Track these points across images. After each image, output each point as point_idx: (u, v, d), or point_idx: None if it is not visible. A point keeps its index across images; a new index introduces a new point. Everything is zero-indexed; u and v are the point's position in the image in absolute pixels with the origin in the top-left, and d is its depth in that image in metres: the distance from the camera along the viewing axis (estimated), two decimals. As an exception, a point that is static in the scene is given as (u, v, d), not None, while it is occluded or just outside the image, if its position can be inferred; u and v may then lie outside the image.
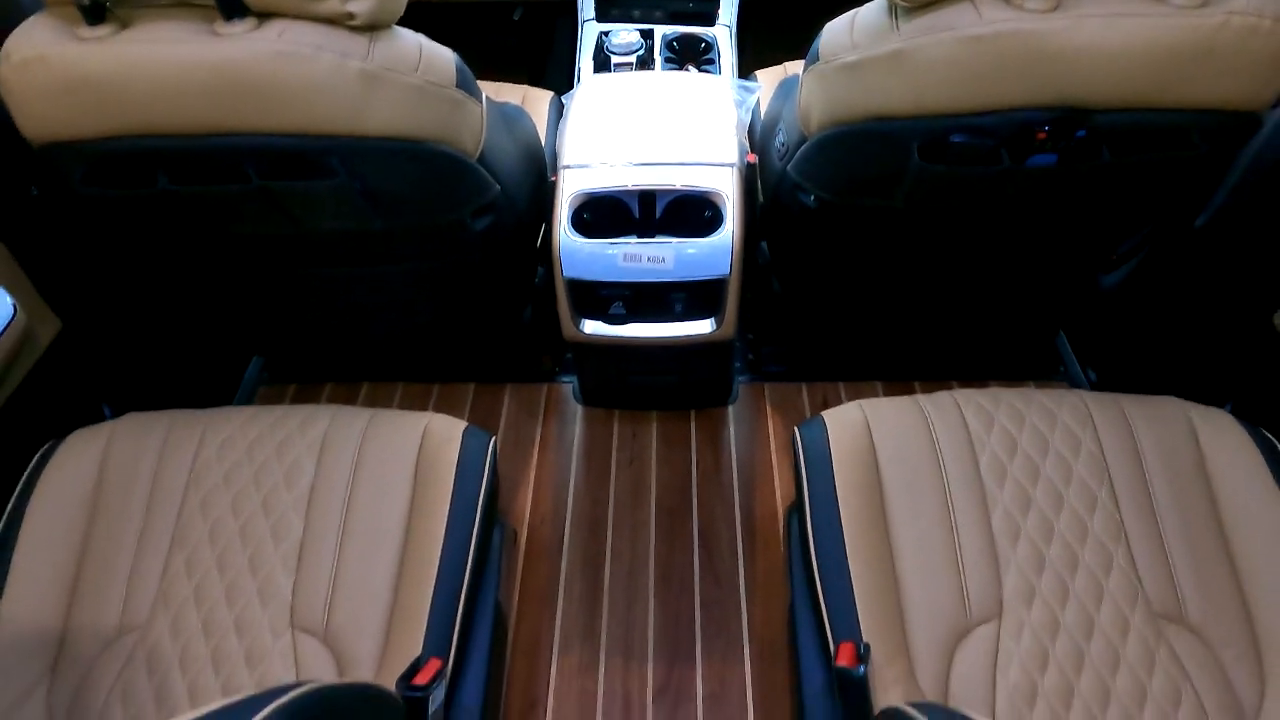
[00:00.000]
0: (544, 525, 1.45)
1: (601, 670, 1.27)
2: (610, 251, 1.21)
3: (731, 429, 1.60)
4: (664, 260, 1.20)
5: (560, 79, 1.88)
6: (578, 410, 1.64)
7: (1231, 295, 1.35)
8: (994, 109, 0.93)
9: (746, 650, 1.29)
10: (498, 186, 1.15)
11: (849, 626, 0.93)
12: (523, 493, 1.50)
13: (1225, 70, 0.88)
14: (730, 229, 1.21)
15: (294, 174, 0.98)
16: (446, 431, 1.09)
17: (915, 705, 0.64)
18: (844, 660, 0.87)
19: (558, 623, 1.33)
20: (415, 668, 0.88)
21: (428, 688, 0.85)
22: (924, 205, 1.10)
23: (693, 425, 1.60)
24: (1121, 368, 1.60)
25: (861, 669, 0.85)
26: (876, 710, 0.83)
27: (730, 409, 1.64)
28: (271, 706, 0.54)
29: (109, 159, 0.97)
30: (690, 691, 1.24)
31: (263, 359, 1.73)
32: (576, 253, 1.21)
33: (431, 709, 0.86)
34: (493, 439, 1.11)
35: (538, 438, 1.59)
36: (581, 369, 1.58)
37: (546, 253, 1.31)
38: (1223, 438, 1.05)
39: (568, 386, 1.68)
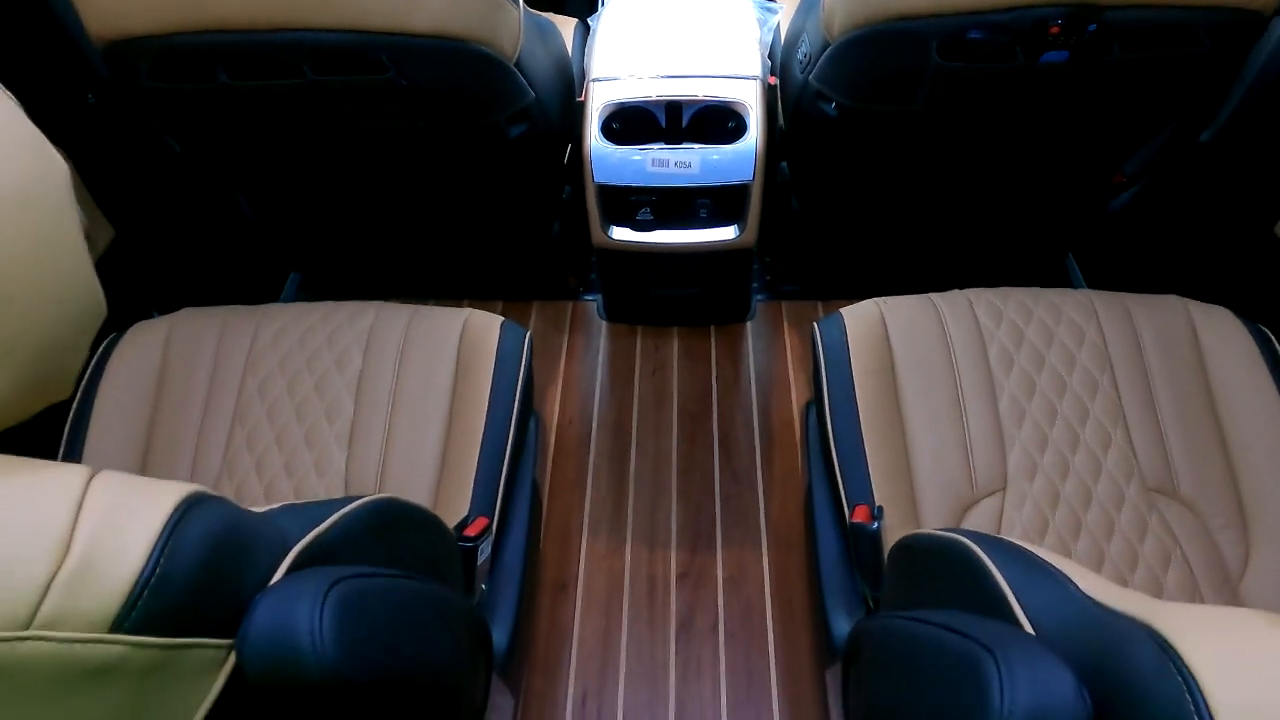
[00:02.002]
0: (571, 425, 1.53)
1: (628, 555, 1.35)
2: (639, 157, 1.27)
3: (750, 343, 1.67)
4: (691, 165, 1.26)
5: (581, 8, 1.91)
6: (602, 326, 1.71)
7: (1235, 208, 1.40)
8: (1010, 5, 0.97)
9: (764, 539, 1.37)
10: (532, 94, 1.21)
11: (863, 494, 1.00)
12: (550, 398, 1.58)
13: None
14: (754, 137, 1.26)
15: (347, 70, 1.04)
16: (485, 324, 1.16)
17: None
18: (859, 518, 0.95)
19: (586, 512, 1.41)
20: (465, 522, 0.96)
21: (478, 539, 0.93)
22: (942, 108, 1.15)
23: (713, 340, 1.67)
24: (1127, 287, 1.65)
25: (875, 525, 0.93)
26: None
27: (749, 325, 1.70)
28: (357, 503, 0.62)
29: (171, 54, 1.03)
30: (711, 575, 1.33)
31: (300, 276, 1.80)
32: (607, 158, 1.27)
33: (480, 559, 0.95)
34: (528, 332, 1.18)
35: (564, 350, 1.67)
36: (606, 282, 1.64)
37: (574, 170, 1.36)
38: (1220, 329, 1.11)
39: (592, 304, 1.75)
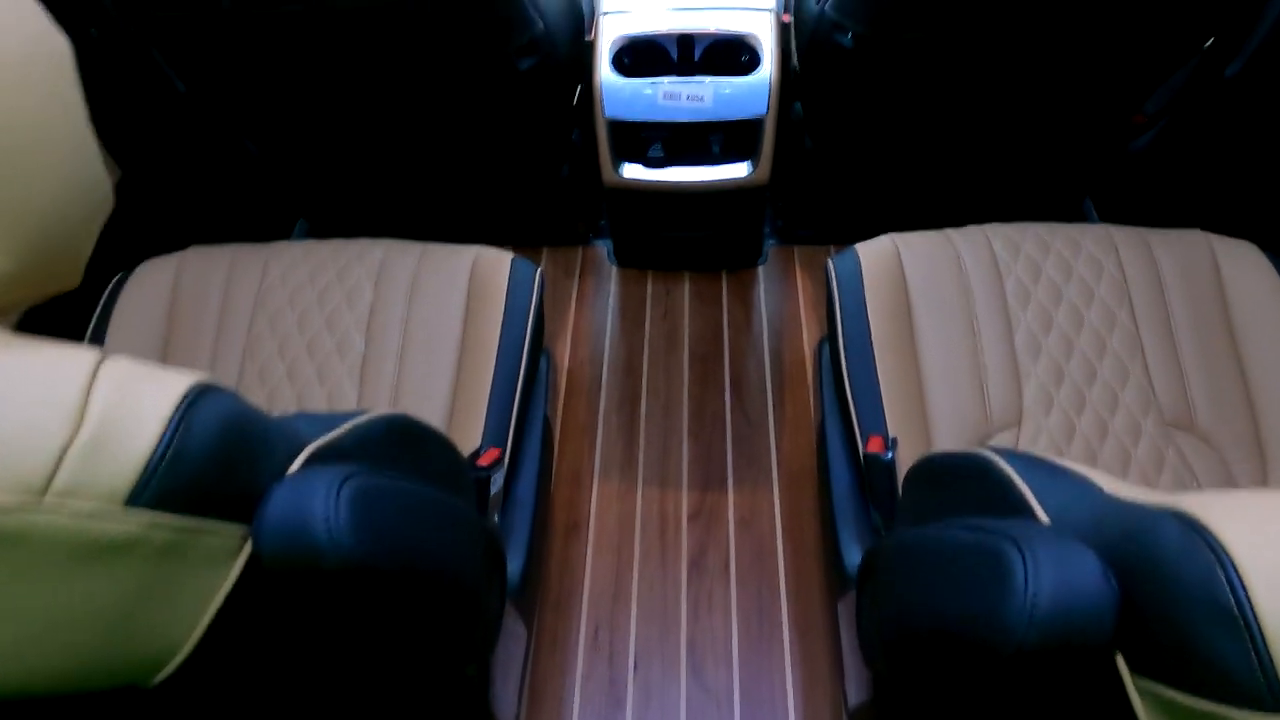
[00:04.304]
0: (582, 368, 1.53)
1: (639, 496, 1.35)
2: (650, 91, 1.24)
3: (761, 287, 1.65)
4: (703, 99, 1.24)
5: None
6: (612, 271, 1.70)
7: (1261, 145, 1.37)
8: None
9: (775, 480, 1.37)
10: (541, 23, 1.18)
11: (877, 426, 0.99)
12: (561, 341, 1.57)
13: None
14: (768, 69, 1.24)
15: None
16: (496, 260, 1.15)
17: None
18: (873, 449, 0.94)
19: (598, 454, 1.41)
20: (478, 453, 0.96)
21: (490, 469, 0.93)
22: (960, 34, 1.12)
23: (724, 284, 1.65)
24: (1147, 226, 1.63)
25: (890, 454, 0.92)
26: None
27: (760, 269, 1.69)
28: (374, 414, 0.61)
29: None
30: (723, 515, 1.33)
31: (307, 224, 1.79)
32: (618, 92, 1.25)
33: (493, 491, 0.95)
34: (539, 268, 1.17)
35: (574, 295, 1.66)
36: (616, 225, 1.62)
37: (584, 112, 1.33)
38: (1243, 262, 1.09)
39: (602, 250, 1.73)
